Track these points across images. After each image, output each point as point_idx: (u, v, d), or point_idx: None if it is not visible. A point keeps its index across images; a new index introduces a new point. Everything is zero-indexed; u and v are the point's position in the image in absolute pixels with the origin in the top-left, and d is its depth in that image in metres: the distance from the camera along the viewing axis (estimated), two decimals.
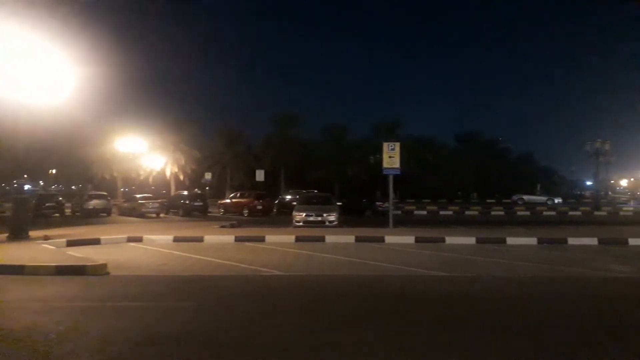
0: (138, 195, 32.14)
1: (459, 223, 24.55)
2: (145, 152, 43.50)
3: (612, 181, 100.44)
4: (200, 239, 15.75)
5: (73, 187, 68.17)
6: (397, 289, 8.70)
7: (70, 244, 14.36)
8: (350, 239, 15.73)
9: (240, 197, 32.17)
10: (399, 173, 19.57)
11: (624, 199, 63.35)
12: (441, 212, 36.57)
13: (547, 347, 5.31)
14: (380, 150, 19.95)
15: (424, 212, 36.46)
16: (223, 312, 6.89)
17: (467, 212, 36.80)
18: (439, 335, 5.75)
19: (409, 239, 15.64)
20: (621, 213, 36.78)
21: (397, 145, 19.55)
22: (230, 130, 57.13)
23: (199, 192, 35.74)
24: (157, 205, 30.80)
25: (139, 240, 15.68)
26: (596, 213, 35.94)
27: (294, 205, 23.24)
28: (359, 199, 33.22)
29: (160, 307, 7.13)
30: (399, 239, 15.73)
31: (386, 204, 24.25)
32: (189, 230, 18.36)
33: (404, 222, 23.22)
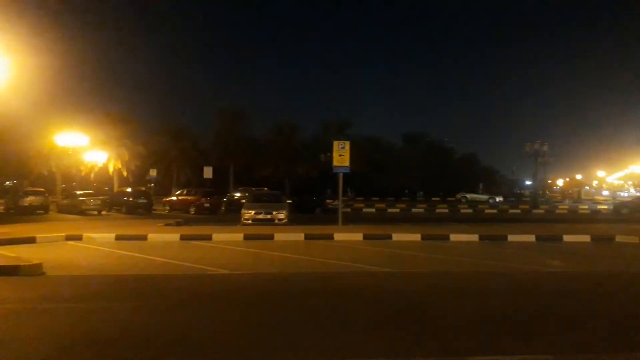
0: (78, 192, 30.81)
1: (406, 220, 25.09)
2: (86, 147, 41.69)
3: (549, 181, 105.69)
4: (143, 238, 15.28)
5: (8, 182, 64.42)
6: (343, 285, 8.76)
7: (2, 242, 13.54)
8: (300, 236, 15.73)
9: (187, 194, 31.48)
10: (348, 171, 19.77)
11: (559, 198, 66.80)
12: (389, 210, 37.27)
13: (482, 341, 5.50)
14: (330, 149, 20.08)
15: (373, 210, 37.02)
16: (165, 312, 6.70)
17: (413, 210, 37.70)
18: (378, 332, 5.82)
19: (358, 236, 15.83)
20: (557, 211, 38.77)
21: (347, 144, 19.75)
22: (177, 125, 55.80)
23: (143, 189, 34.68)
24: (98, 202, 29.64)
25: (78, 238, 15.02)
26: (534, 211, 37.71)
27: (243, 203, 23.00)
28: (309, 197, 33.30)
29: (98, 308, 6.85)
30: (348, 236, 15.88)
31: (336, 202, 24.43)
32: (132, 228, 17.77)
33: (353, 219, 23.47)
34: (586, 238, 16.38)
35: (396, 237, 15.90)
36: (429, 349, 5.18)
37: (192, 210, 29.32)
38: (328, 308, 6.99)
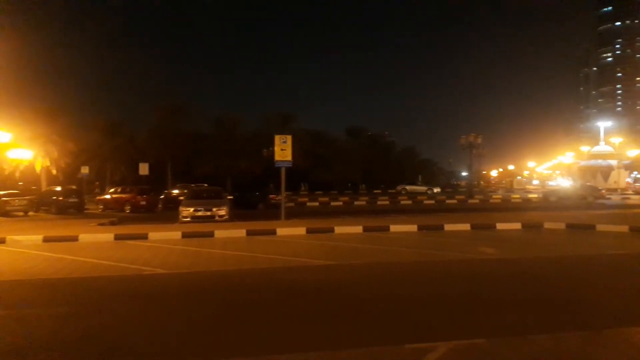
0: (2, 192, 28.89)
1: (349, 213, 25.43)
2: (9, 145, 39.13)
3: (484, 172, 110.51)
4: (74, 239, 14.59)
5: None
6: (285, 280, 8.79)
7: None
8: (241, 233, 15.57)
9: (122, 192, 30.30)
10: (290, 166, 19.74)
11: (492, 188, 69.97)
12: (332, 203, 37.60)
13: (418, 328, 5.69)
14: (273, 143, 19.95)
15: (316, 204, 37.22)
16: (97, 316, 6.45)
17: (356, 203, 38.25)
18: (317, 325, 5.89)
19: (300, 231, 15.89)
20: (491, 200, 40.58)
21: (289, 138, 19.69)
22: (111, 120, 53.56)
23: (74, 187, 33.06)
24: (24, 202, 27.94)
25: (1, 241, 14.12)
26: (470, 201, 39.30)
27: (182, 200, 22.45)
28: (252, 193, 32.98)
29: (25, 314, 6.48)
30: (291, 230, 15.90)
31: (279, 197, 24.36)
32: (62, 229, 16.92)
33: (297, 214, 23.50)
34: (517, 226, 17.28)
35: (338, 230, 16.09)
36: (367, 338, 5.30)
37: (128, 208, 28.27)
38: (268, 303, 7.00)
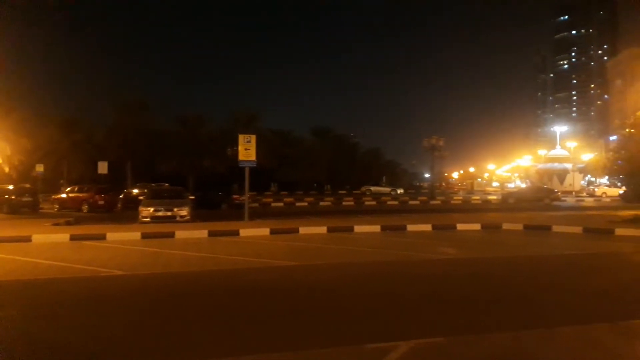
0: None
1: (314, 214, 25.42)
2: None
3: (446, 174, 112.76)
4: (27, 239, 13.99)
5: None
6: (247, 282, 8.68)
7: None
8: (203, 233, 15.31)
9: (79, 191, 29.31)
10: (254, 165, 19.54)
11: (453, 190, 71.37)
12: (297, 204, 37.52)
13: (378, 327, 5.71)
14: (237, 143, 19.69)
15: (281, 204, 37.06)
16: (51, 319, 6.18)
17: (321, 203, 38.29)
18: (278, 326, 5.83)
19: (264, 231, 15.75)
20: (452, 202, 41.41)
21: (254, 137, 19.48)
22: (69, 117, 51.78)
23: (28, 185, 31.76)
24: None
25: None
26: (432, 202, 39.98)
27: (142, 199, 21.92)
28: (215, 193, 32.52)
29: None
30: (255, 231, 15.74)
31: (243, 197, 24.09)
32: (14, 229, 16.21)
33: (261, 214, 23.32)
34: (477, 226, 17.67)
35: (303, 230, 16.04)
36: (328, 339, 5.27)
37: (85, 208, 27.38)
38: (229, 305, 6.89)
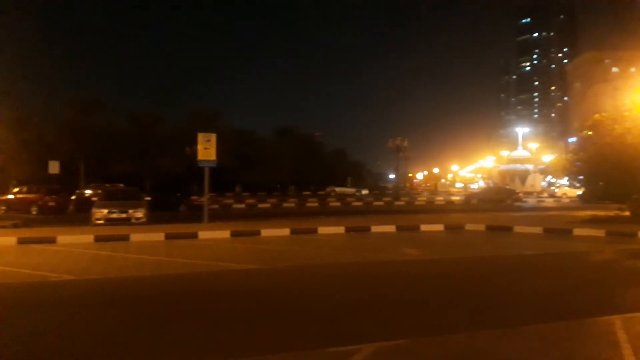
0: None
1: (277, 215, 25.30)
2: None
3: (410, 174, 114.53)
4: None
5: None
6: (204, 286, 8.56)
7: None
8: (160, 236, 15.00)
9: (28, 192, 28.23)
10: (214, 165, 19.30)
11: (418, 190, 72.54)
12: (260, 205, 37.28)
13: (341, 330, 5.74)
14: (196, 142, 19.41)
15: (243, 206, 36.74)
16: None
17: (284, 205, 38.17)
18: (232, 332, 5.78)
19: (225, 234, 15.58)
20: (416, 203, 42.07)
21: (214, 136, 19.24)
22: (17, 114, 49.73)
23: None
24: None
25: None
26: (396, 203, 40.51)
27: (95, 201, 21.33)
28: (172, 194, 31.95)
29: None
30: (214, 234, 15.55)
31: (202, 199, 23.77)
32: None
33: (221, 216, 23.05)
34: (440, 227, 18.01)
35: (265, 232, 15.95)
36: (290, 343, 5.26)
37: (34, 210, 26.39)
38: (187, 311, 6.77)
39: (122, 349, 5.14)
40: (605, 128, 20.83)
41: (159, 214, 22.98)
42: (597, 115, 22.32)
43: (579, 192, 44.91)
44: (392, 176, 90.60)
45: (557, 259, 11.81)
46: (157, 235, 15.00)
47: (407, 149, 48.75)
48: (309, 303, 7.16)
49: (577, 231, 16.25)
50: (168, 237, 14.95)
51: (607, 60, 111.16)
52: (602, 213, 20.85)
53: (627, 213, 19.82)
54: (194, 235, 15.20)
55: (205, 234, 15.37)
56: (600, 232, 15.85)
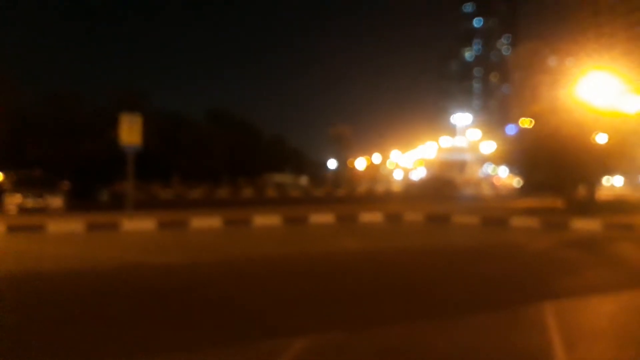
0: None
1: (209, 205, 24.93)
2: None
3: (351, 162, 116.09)
4: None
5: None
6: (127, 281, 8.27)
7: None
8: (80, 226, 14.41)
9: None
10: (139, 150, 18.71)
11: (359, 179, 73.72)
12: (191, 194, 36.61)
13: (277, 324, 5.76)
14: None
15: (172, 194, 35.94)
16: None
17: (217, 193, 37.68)
18: (164, 329, 5.66)
19: (151, 224, 15.19)
20: (356, 192, 42.80)
21: (139, 118, 18.65)
22: None
23: None
24: None
25: None
26: (336, 192, 41.01)
27: (8, 188, 20.22)
28: (95, 181, 30.76)
29: None
30: (139, 224, 15.15)
31: (127, 186, 23.01)
32: None
33: (148, 205, 22.44)
34: (380, 217, 18.41)
35: (195, 223, 15.67)
36: (221, 338, 5.20)
37: None
38: (108, 307, 6.53)
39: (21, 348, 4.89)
40: (543, 119, 22.00)
41: (80, 202, 22.12)
42: (535, 106, 23.52)
43: (518, 182, 47.25)
44: (332, 164, 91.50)
45: (493, 249, 12.38)
46: (76, 226, 14.39)
47: (350, 136, 49.35)
48: (241, 297, 7.10)
49: (514, 221, 17.11)
50: (89, 227, 14.38)
51: (546, 51, 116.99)
52: (538, 203, 22.07)
53: (561, 204, 21.10)
54: (117, 226, 14.71)
55: (129, 224, 14.91)
56: (535, 223, 16.77)
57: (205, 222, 15.87)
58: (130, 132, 18.17)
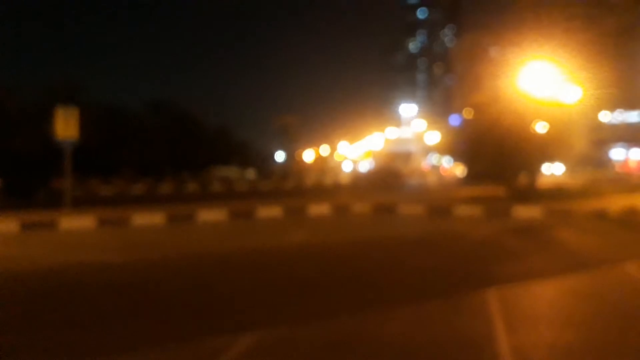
0: None
1: (152, 200, 24.32)
2: None
3: (299, 154, 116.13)
4: None
5: None
6: (66, 282, 7.95)
7: None
8: (13, 225, 13.71)
9: None
10: (76, 144, 18.03)
11: (307, 171, 73.87)
12: (133, 189, 35.61)
13: (222, 321, 5.69)
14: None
15: (113, 190, 34.84)
16: None
17: (160, 188, 36.84)
18: (107, 327, 5.49)
19: (90, 222, 14.67)
20: (304, 184, 42.91)
21: (75, 111, 18.01)
22: None
23: None
24: None
25: None
26: (284, 185, 40.94)
27: None
28: (30, 178, 29.41)
29: None
30: (78, 222, 14.59)
31: (64, 182, 22.09)
32: None
33: (87, 202, 21.65)
34: (327, 209, 18.50)
35: (137, 219, 15.24)
36: (164, 336, 5.09)
37: None
38: (46, 308, 6.25)
39: None
40: (484, 109, 22.71)
41: (13, 200, 21.12)
42: (476, 97, 24.23)
43: (461, 171, 48.67)
44: (279, 156, 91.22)
45: (438, 238, 12.72)
46: (9, 225, 13.68)
47: (296, 127, 49.31)
48: (184, 295, 6.97)
49: (458, 210, 17.61)
50: (24, 227, 13.71)
51: (488, 41, 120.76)
52: (481, 192, 22.81)
53: (503, 192, 21.90)
54: (54, 224, 14.11)
55: (67, 222, 14.33)
56: (478, 211, 17.31)
57: (148, 219, 15.46)
58: (66, 125, 17.48)
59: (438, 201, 20.98)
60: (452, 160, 65.91)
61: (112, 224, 14.64)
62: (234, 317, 5.85)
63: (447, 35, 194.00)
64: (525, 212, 16.52)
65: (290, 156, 79.69)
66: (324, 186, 40.47)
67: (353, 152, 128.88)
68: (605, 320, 5.68)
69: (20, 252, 10.52)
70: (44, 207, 18.48)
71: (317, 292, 7.04)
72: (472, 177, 33.96)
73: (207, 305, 6.40)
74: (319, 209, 18.36)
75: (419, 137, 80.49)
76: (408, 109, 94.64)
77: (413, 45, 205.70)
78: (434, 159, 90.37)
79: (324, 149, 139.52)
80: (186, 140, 66.22)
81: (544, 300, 6.72)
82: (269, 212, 17.43)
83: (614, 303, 6.34)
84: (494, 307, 5.95)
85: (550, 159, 28.17)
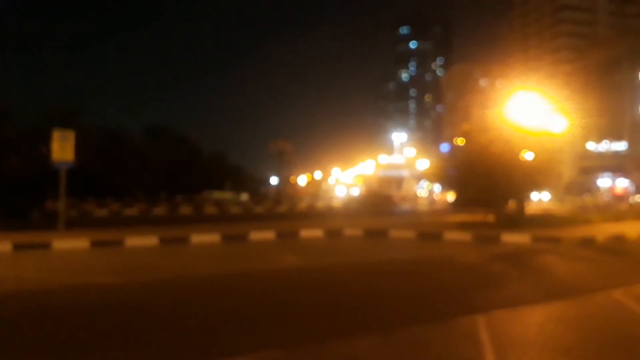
0: None
1: (146, 222, 24.11)
2: None
3: (292, 179, 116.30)
4: None
5: None
6: (58, 303, 7.81)
7: None
8: (6, 246, 13.50)
9: None
10: (72, 166, 17.95)
11: (299, 196, 73.81)
12: (126, 212, 35.36)
13: (208, 344, 5.59)
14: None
15: (107, 212, 34.57)
16: None
17: (154, 211, 36.60)
18: (97, 351, 5.38)
19: (84, 243, 14.49)
20: (297, 208, 42.80)
21: (72, 134, 17.97)
22: None
23: None
24: None
25: None
26: (277, 209, 40.79)
27: None
28: (23, 198, 29.07)
29: None
30: (72, 243, 14.42)
31: (58, 204, 21.90)
32: None
33: (82, 223, 21.43)
34: (320, 233, 18.42)
35: (131, 242, 15.07)
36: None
37: None
38: (37, 330, 6.12)
39: None
40: (473, 137, 22.88)
41: (7, 221, 20.85)
42: (465, 125, 24.42)
43: (451, 197, 48.76)
44: (273, 181, 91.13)
45: (428, 263, 12.66)
46: (2, 246, 13.48)
47: (290, 152, 49.45)
48: (175, 318, 6.86)
49: (447, 235, 17.58)
50: (16, 247, 13.50)
51: (477, 72, 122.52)
52: (470, 218, 22.80)
53: (492, 218, 21.90)
54: (47, 245, 13.92)
55: (61, 244, 14.15)
56: (468, 237, 17.28)
57: (141, 241, 15.30)
58: (62, 148, 17.45)
59: (428, 226, 20.96)
60: (441, 186, 66.20)
61: (105, 246, 14.47)
62: (224, 340, 5.76)
63: (437, 66, 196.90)
64: (514, 239, 16.51)
65: (284, 180, 79.73)
66: (316, 210, 40.35)
67: (346, 177, 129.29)
68: (593, 346, 5.64)
69: (9, 272, 10.35)
70: (38, 229, 18.29)
71: (309, 316, 6.95)
72: (462, 203, 34.00)
73: (200, 328, 6.30)
74: (312, 233, 18.28)
75: (410, 164, 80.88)
76: (399, 137, 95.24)
77: (405, 75, 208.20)
78: (424, 185, 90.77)
79: (318, 174, 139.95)
80: (181, 164, 66.21)
81: (532, 326, 6.66)
82: (262, 235, 17.32)
83: (602, 330, 6.30)
84: (483, 332, 5.89)
85: (539, 186, 28.29)
